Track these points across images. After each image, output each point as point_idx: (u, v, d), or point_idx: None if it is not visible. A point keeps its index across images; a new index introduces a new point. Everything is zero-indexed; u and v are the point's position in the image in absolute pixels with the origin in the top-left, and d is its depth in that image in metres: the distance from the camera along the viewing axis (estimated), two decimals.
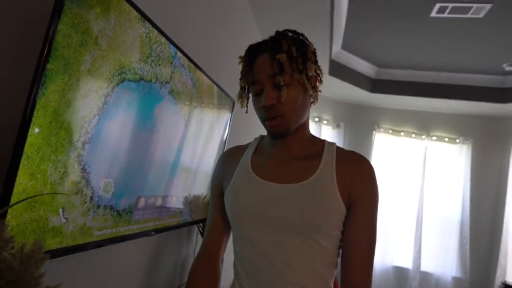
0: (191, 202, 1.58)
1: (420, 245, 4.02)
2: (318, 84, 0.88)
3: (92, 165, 0.86)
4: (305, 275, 0.79)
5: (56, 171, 0.75)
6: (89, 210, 0.89)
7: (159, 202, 1.26)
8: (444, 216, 4.15)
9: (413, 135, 4.42)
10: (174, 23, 1.37)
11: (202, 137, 1.59)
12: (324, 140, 0.92)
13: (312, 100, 0.89)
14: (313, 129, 4.29)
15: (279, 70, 0.78)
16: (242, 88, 0.88)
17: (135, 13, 0.96)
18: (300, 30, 0.89)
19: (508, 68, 3.50)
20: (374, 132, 4.48)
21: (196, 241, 1.92)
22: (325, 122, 4.41)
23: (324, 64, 3.36)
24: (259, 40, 0.87)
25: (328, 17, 2.39)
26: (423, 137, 4.38)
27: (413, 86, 4.03)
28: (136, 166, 1.08)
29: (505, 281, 3.28)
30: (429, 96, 3.98)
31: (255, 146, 0.97)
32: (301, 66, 0.79)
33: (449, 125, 4.38)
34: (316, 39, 2.92)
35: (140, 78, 1.03)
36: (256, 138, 1.01)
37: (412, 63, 3.85)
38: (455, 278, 3.95)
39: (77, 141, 0.80)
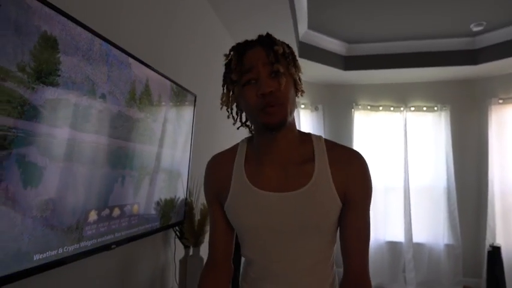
0: (159, 207, 1.49)
1: (410, 217, 4.02)
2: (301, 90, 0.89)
3: None
4: (309, 271, 0.84)
5: None
6: (22, 233, 0.79)
7: (116, 213, 1.17)
8: (430, 185, 4.15)
9: (391, 108, 4.39)
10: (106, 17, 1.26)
11: (160, 139, 1.49)
12: (311, 136, 0.90)
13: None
14: None
15: (275, 59, 0.77)
16: (232, 82, 0.83)
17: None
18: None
19: (475, 29, 3.47)
20: (353, 110, 4.44)
21: (175, 245, 1.83)
22: (302, 106, 4.34)
23: (291, 46, 3.25)
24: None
25: None
26: (402, 109, 4.35)
27: (385, 59, 3.98)
28: (79, 180, 0.99)
29: (492, 244, 3.30)
30: (402, 66, 3.94)
31: (244, 153, 0.91)
32: (292, 63, 0.82)
33: (426, 93, 4.36)
34: (277, 20, 2.85)
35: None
36: (242, 141, 0.94)
37: (381, 36, 3.79)
38: (447, 246, 3.97)
39: None
